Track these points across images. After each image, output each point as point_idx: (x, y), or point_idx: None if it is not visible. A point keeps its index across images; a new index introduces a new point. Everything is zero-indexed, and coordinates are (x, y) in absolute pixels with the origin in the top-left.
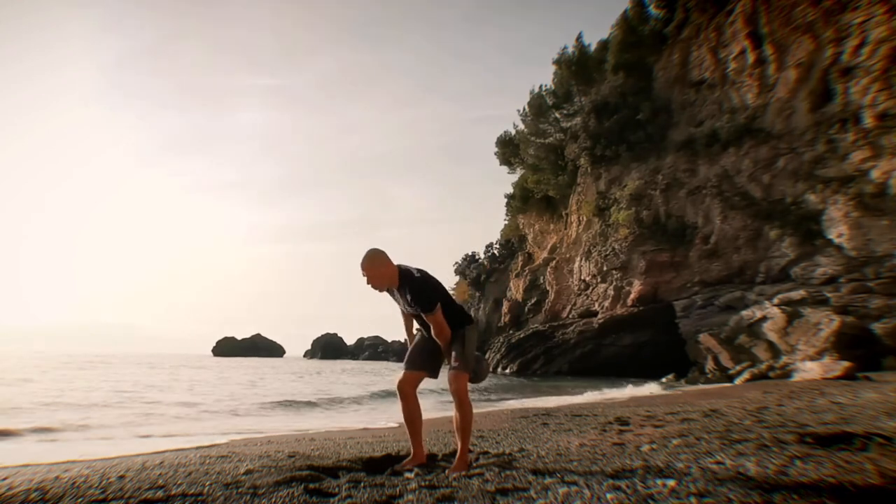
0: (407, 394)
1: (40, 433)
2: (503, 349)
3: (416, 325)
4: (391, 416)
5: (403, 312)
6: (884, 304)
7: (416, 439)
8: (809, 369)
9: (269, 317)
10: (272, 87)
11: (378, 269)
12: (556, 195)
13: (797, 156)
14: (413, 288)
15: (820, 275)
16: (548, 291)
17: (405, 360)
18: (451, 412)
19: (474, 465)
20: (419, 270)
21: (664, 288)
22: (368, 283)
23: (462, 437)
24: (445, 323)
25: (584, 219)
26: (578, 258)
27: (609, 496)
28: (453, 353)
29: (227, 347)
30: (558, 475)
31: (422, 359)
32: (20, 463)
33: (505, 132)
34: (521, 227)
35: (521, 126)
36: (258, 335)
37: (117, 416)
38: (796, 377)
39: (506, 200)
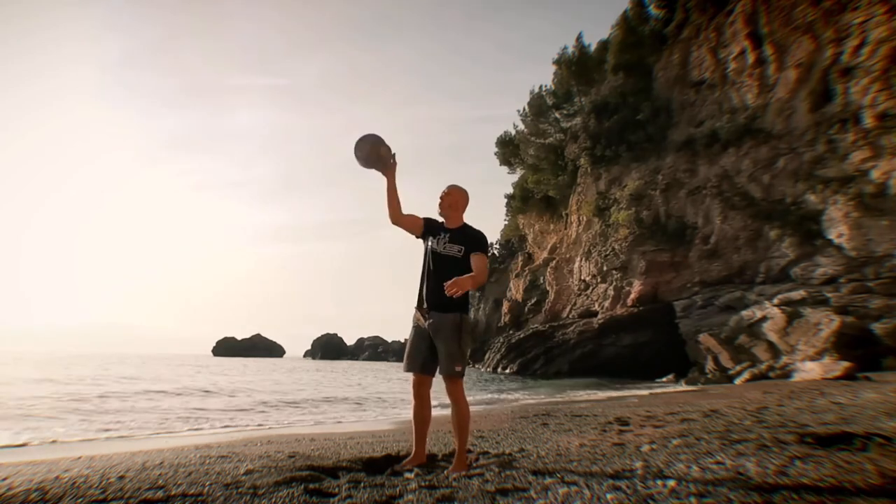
0: (422, 395)
1: None
2: (503, 349)
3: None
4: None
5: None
6: (884, 304)
7: (420, 440)
8: (809, 369)
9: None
10: (275, 85)
11: (462, 198)
12: (556, 195)
13: (797, 156)
14: (475, 232)
15: (820, 275)
16: (548, 291)
17: (409, 361)
18: (447, 410)
19: (474, 465)
20: None
21: (664, 288)
22: (442, 204)
23: (460, 437)
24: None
25: (584, 219)
26: (578, 258)
27: (609, 496)
28: (449, 355)
29: (227, 347)
30: (558, 475)
31: (423, 359)
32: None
33: (505, 132)
34: (521, 227)
35: (521, 126)
36: (258, 335)
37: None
38: (796, 377)
39: (506, 200)
